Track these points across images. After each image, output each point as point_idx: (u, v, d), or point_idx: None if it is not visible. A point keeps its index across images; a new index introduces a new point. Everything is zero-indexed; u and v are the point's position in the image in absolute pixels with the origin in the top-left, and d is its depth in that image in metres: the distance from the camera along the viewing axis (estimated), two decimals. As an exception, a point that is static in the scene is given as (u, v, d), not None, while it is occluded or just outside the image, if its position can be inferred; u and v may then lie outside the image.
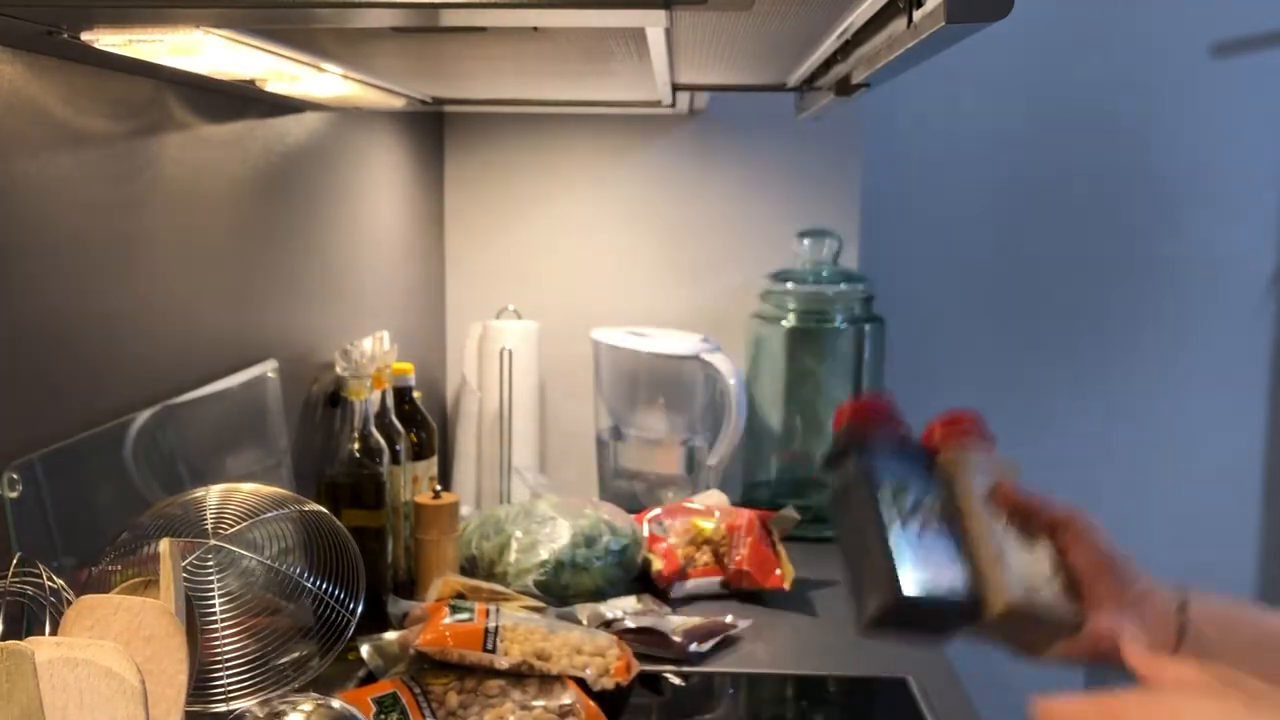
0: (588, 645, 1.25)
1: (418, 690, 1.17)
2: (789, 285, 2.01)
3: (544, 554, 1.56)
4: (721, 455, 1.94)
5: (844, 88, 1.20)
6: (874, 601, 0.83)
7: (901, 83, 1.11)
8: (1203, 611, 0.80)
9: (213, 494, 0.98)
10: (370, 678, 1.26)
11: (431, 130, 2.09)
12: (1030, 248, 2.66)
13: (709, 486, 1.94)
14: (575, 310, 2.13)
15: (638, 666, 1.28)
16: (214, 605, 0.91)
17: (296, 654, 0.96)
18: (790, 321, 2.01)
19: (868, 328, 2.02)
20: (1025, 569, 0.87)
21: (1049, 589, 0.87)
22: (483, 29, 0.89)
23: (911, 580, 0.82)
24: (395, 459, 1.49)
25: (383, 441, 1.45)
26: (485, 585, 1.47)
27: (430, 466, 1.62)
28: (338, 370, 1.45)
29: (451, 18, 0.79)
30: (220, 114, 1.24)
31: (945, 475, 0.93)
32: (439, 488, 1.57)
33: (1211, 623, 0.78)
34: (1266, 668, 0.66)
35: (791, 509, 1.70)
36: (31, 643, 0.69)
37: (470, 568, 1.62)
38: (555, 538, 1.59)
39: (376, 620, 1.37)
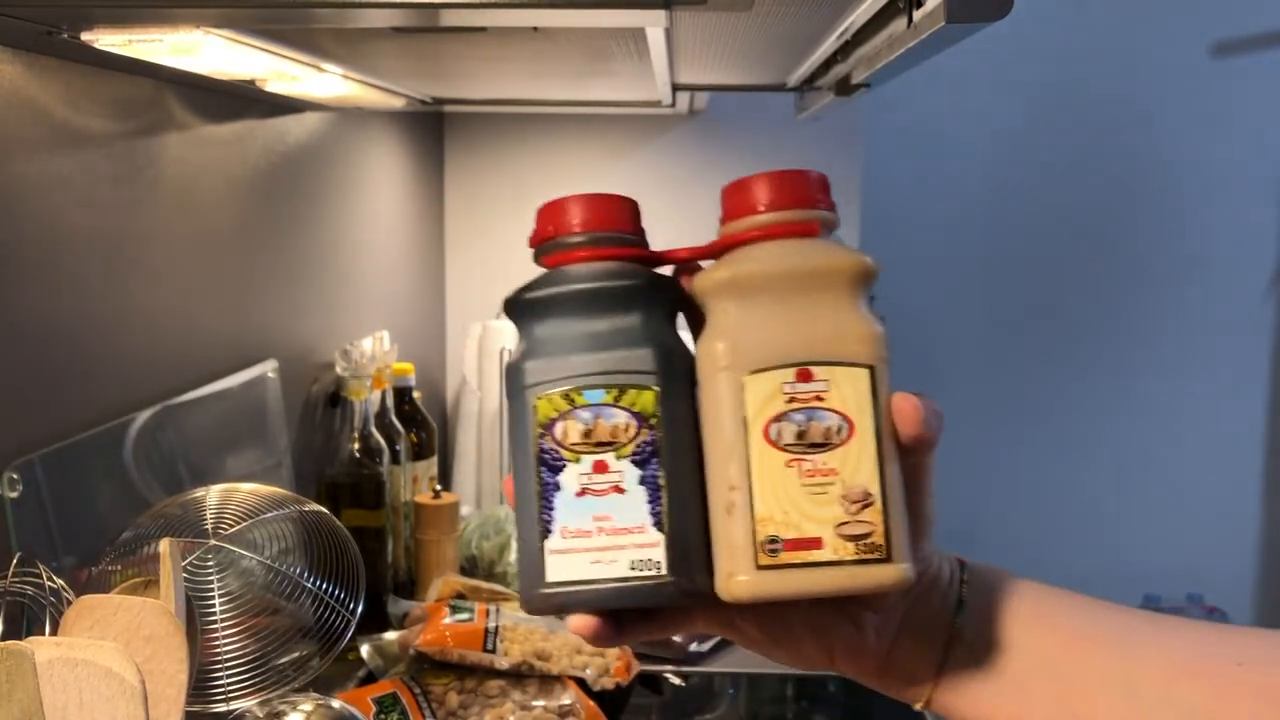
0: (587, 645, 1.25)
1: (418, 690, 1.17)
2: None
3: (544, 554, 1.56)
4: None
5: (844, 88, 1.19)
6: (520, 587, 0.55)
7: (901, 83, 1.11)
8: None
9: (213, 494, 0.98)
10: (370, 678, 1.26)
11: (431, 130, 2.09)
12: (1030, 247, 2.66)
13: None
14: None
15: (638, 666, 1.28)
16: (214, 605, 0.91)
17: (296, 654, 0.96)
18: (790, 321, 2.01)
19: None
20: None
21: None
22: (483, 29, 0.89)
23: (562, 565, 0.52)
24: (395, 459, 1.49)
25: (383, 441, 1.45)
26: (485, 585, 1.47)
27: (430, 466, 1.62)
28: (338, 370, 1.45)
29: (451, 18, 0.79)
30: (220, 114, 1.24)
31: (705, 329, 0.55)
32: (439, 488, 1.57)
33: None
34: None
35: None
36: (31, 643, 0.69)
37: (470, 568, 1.62)
38: (555, 538, 1.58)
39: (376, 620, 1.37)
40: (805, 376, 0.52)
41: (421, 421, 1.61)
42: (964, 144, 2.61)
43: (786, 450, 0.52)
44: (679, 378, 0.54)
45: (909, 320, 2.44)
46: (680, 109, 1.83)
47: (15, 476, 0.87)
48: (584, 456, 0.53)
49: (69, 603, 0.77)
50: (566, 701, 1.18)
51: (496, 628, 1.23)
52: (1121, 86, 2.59)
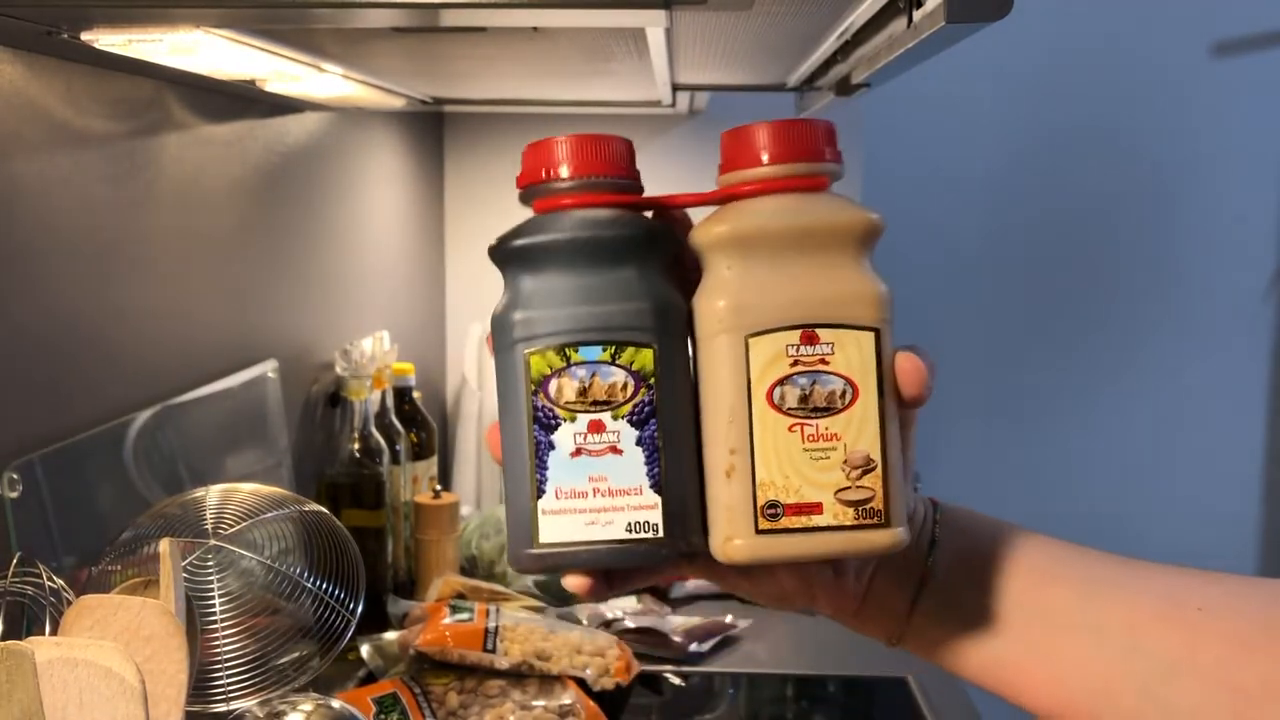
0: (588, 645, 1.25)
1: (418, 690, 1.17)
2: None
3: (544, 554, 1.56)
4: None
5: (844, 88, 1.19)
6: (509, 547, 0.53)
7: (901, 83, 1.11)
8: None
9: (213, 494, 0.98)
10: (370, 678, 1.26)
11: (431, 130, 2.09)
12: (1030, 247, 2.66)
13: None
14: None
15: (638, 666, 1.28)
16: (214, 605, 0.91)
17: (296, 654, 0.95)
18: (790, 321, 2.01)
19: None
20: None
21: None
22: (483, 29, 0.89)
23: (556, 525, 0.51)
24: (395, 459, 1.49)
25: (383, 441, 1.45)
26: (485, 585, 1.47)
27: (430, 466, 1.62)
28: (338, 370, 1.45)
29: (451, 18, 0.79)
30: (220, 114, 1.24)
31: (703, 285, 0.53)
32: (439, 488, 1.57)
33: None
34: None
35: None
36: (31, 643, 0.69)
37: (470, 568, 1.62)
38: (555, 538, 1.58)
39: (376, 620, 1.37)
40: (810, 339, 0.51)
41: (421, 421, 1.61)
42: (964, 144, 2.61)
43: (789, 415, 0.51)
44: (677, 334, 0.52)
45: (909, 319, 2.43)
46: (680, 109, 1.83)
47: (15, 476, 0.87)
48: (580, 415, 0.51)
49: (69, 603, 0.77)
50: (566, 701, 1.18)
51: (496, 628, 1.23)
52: (1121, 86, 2.59)
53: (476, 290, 2.17)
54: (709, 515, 0.52)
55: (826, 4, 0.87)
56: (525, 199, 0.54)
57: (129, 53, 0.89)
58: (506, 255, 0.53)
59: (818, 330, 0.51)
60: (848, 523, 0.51)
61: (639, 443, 0.51)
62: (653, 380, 0.51)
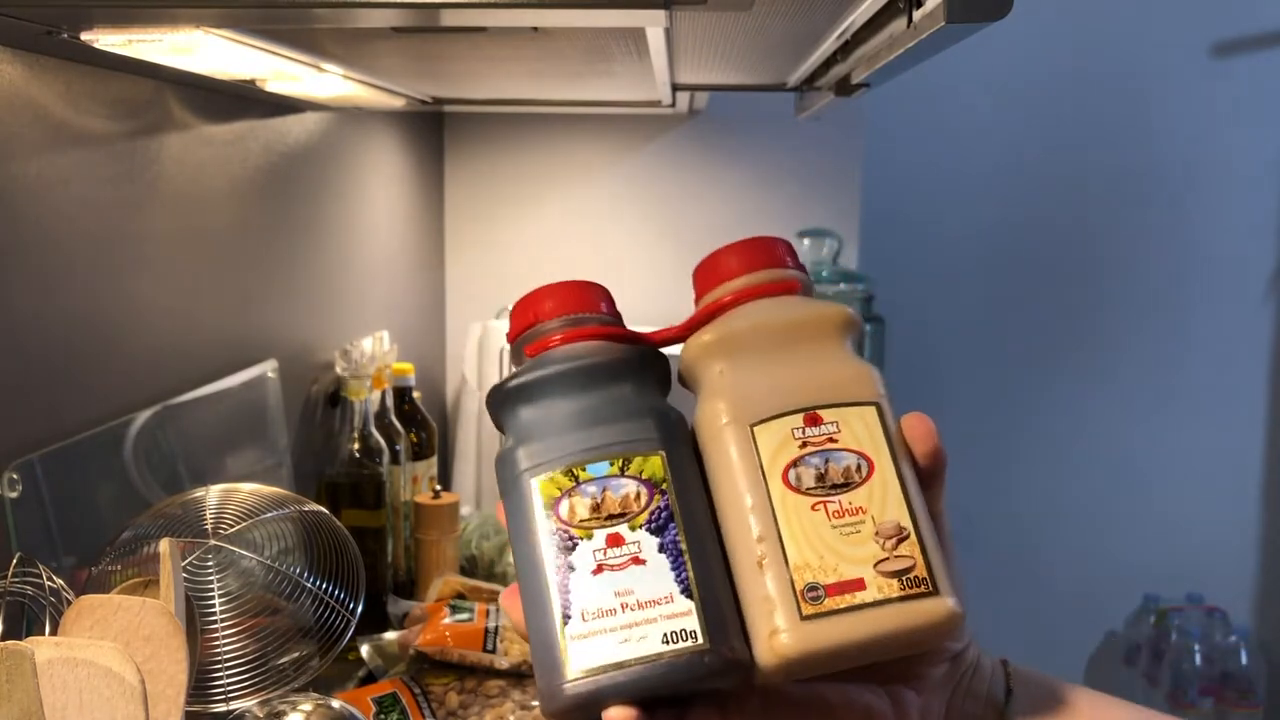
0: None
1: (418, 690, 1.17)
2: (789, 285, 2.01)
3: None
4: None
5: (844, 88, 1.19)
6: (539, 691, 0.49)
7: (901, 83, 1.11)
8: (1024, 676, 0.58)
9: (213, 494, 0.98)
10: (370, 678, 1.26)
11: (431, 130, 2.09)
12: (1030, 247, 2.66)
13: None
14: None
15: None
16: (214, 605, 0.91)
17: (296, 654, 0.96)
18: (790, 321, 2.01)
19: (868, 328, 2.02)
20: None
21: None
22: (483, 29, 0.89)
23: (587, 650, 0.47)
24: (395, 459, 1.49)
25: (383, 441, 1.45)
26: (485, 585, 1.47)
27: (430, 466, 1.62)
28: (338, 370, 1.45)
29: (451, 18, 0.79)
30: (220, 114, 1.24)
31: (699, 396, 0.54)
32: (439, 488, 1.57)
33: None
34: None
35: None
36: (31, 643, 0.70)
37: (470, 568, 1.62)
38: (555, 538, 1.59)
39: (376, 620, 1.37)
40: (814, 420, 0.50)
41: (421, 421, 1.62)
42: (964, 144, 2.61)
43: (810, 494, 0.49)
44: (681, 440, 0.52)
45: (908, 319, 2.44)
46: (680, 109, 1.83)
47: (15, 476, 0.87)
48: (596, 531, 0.49)
49: (69, 603, 0.77)
50: (566, 701, 1.18)
51: (496, 628, 1.23)
52: (1121, 86, 2.59)
53: (476, 290, 2.17)
54: (747, 618, 0.48)
55: (826, 4, 0.87)
56: (518, 349, 0.55)
57: (129, 53, 0.89)
58: (504, 397, 0.53)
59: (820, 411, 0.50)
60: (894, 595, 0.48)
61: (661, 549, 0.49)
62: (665, 485, 0.50)
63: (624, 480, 0.50)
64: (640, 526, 0.49)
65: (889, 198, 2.48)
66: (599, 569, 0.48)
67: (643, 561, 0.48)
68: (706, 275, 0.56)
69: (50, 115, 0.94)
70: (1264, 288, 2.63)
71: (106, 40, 0.85)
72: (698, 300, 0.56)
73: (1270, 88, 2.57)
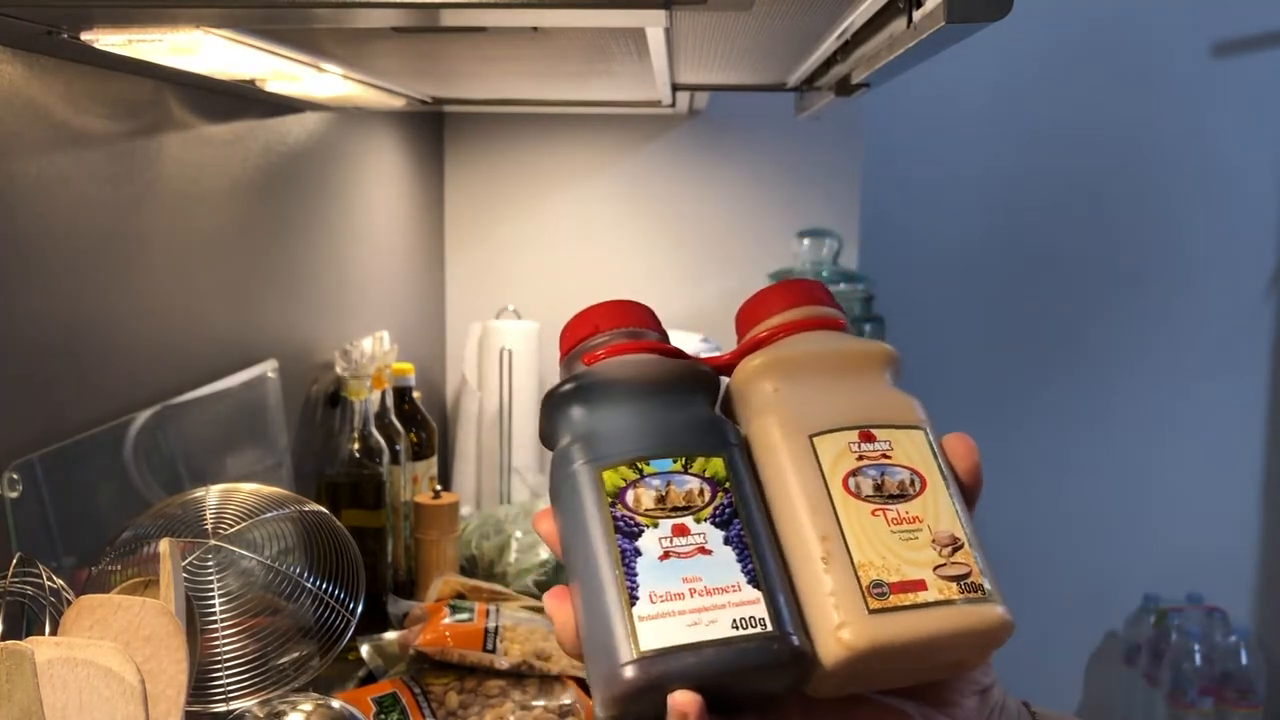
0: (588, 645, 1.25)
1: (418, 690, 1.17)
2: (789, 285, 2.01)
3: (544, 554, 1.57)
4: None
5: (844, 88, 1.19)
6: (596, 682, 0.49)
7: (901, 83, 1.11)
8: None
9: (213, 494, 0.98)
10: (370, 678, 1.26)
11: (431, 130, 2.09)
12: (1030, 247, 2.66)
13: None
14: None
15: (638, 666, 1.28)
16: (214, 605, 0.91)
17: (296, 654, 0.96)
18: (790, 321, 2.01)
19: (867, 328, 2.02)
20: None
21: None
22: (483, 29, 0.89)
23: (656, 630, 0.48)
24: (395, 459, 1.49)
25: (383, 441, 1.45)
26: (485, 585, 1.47)
27: (430, 466, 1.62)
28: (338, 370, 1.45)
29: (451, 18, 0.79)
30: (220, 114, 1.24)
31: (749, 415, 0.55)
32: (439, 488, 1.57)
33: None
34: None
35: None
36: (31, 643, 0.70)
37: (470, 568, 1.62)
38: (555, 538, 1.59)
39: (376, 620, 1.37)
40: (868, 438, 0.53)
41: (421, 421, 1.62)
42: (964, 144, 2.61)
43: (869, 501, 0.51)
44: (739, 447, 0.53)
45: (908, 320, 2.44)
46: (680, 109, 1.83)
47: (15, 476, 0.87)
48: (662, 521, 0.50)
49: (69, 603, 0.77)
50: (566, 701, 1.18)
51: (496, 628, 1.23)
52: (1121, 86, 2.59)
53: (476, 290, 2.17)
54: (809, 616, 0.49)
55: (826, 4, 0.87)
56: (575, 357, 0.58)
57: (129, 53, 0.89)
58: (566, 397, 0.55)
59: (873, 430, 0.53)
60: (954, 597, 0.50)
61: (727, 542, 0.50)
62: (728, 485, 0.51)
63: (687, 477, 0.51)
64: (705, 519, 0.50)
65: (889, 198, 2.48)
66: (666, 555, 0.49)
67: (709, 552, 0.50)
68: (753, 311, 0.58)
69: (50, 115, 0.94)
70: (1264, 288, 2.63)
71: (106, 40, 0.85)
72: (744, 333, 0.58)
73: (1270, 88, 2.57)
